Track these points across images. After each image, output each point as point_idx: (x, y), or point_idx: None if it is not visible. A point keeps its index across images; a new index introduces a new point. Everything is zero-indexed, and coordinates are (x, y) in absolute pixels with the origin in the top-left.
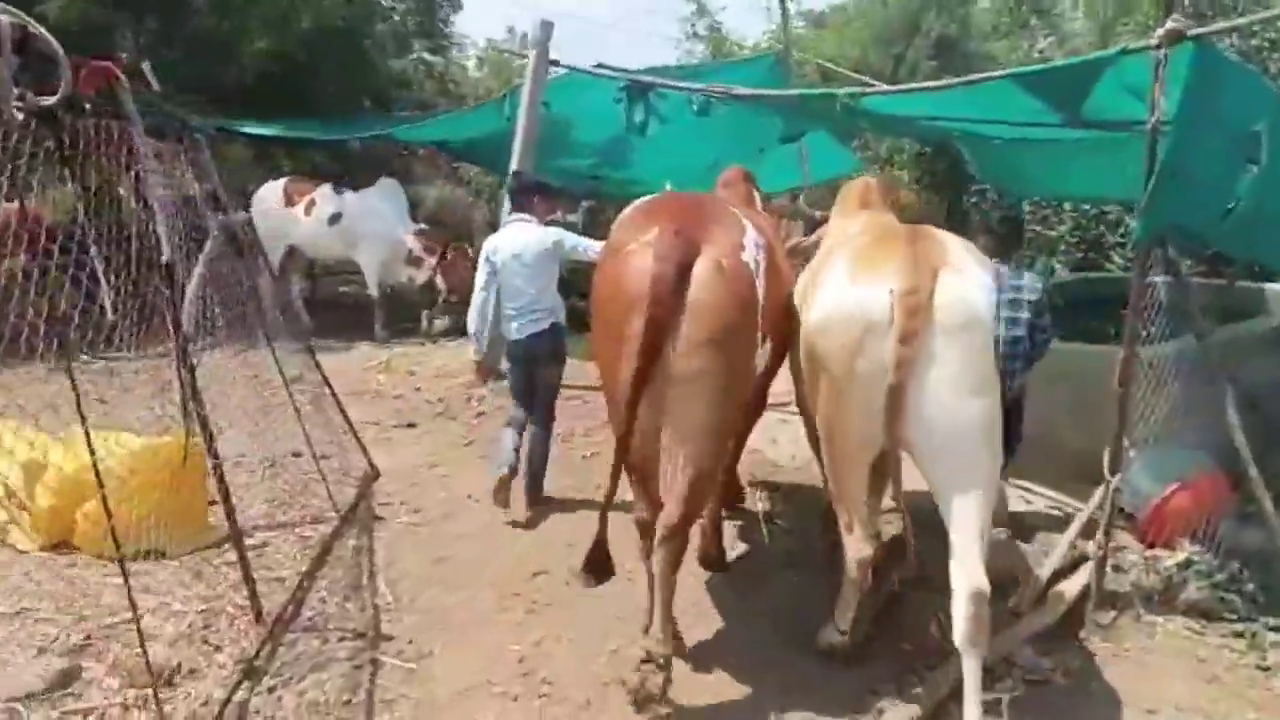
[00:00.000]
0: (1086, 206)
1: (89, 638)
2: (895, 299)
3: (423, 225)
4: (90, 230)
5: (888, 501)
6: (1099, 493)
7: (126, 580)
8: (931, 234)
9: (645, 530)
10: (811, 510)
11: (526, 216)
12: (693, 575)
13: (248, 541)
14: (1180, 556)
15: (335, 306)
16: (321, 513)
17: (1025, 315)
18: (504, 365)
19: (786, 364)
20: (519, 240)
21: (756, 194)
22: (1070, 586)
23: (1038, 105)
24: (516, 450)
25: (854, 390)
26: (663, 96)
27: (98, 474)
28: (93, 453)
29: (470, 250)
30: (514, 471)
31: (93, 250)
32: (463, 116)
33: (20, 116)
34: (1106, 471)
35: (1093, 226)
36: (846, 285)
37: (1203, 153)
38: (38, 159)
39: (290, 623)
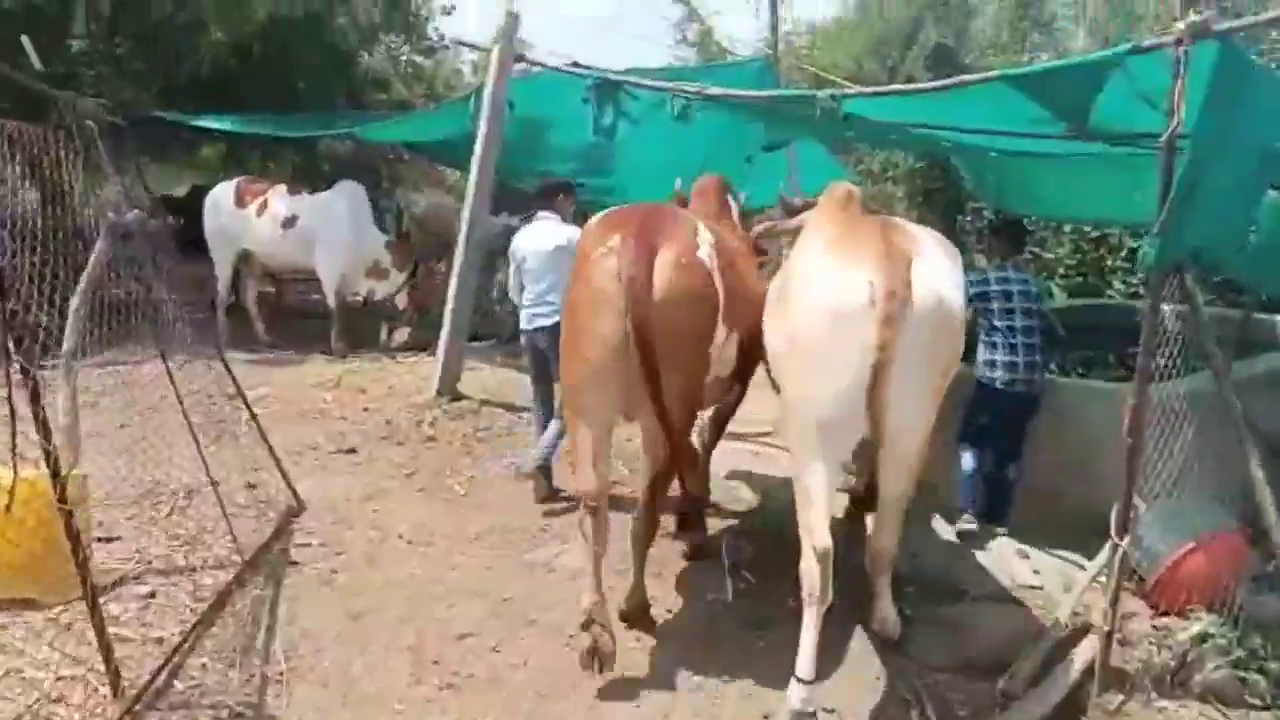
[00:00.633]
0: (1087, 228)
1: None
2: (876, 285)
3: (390, 236)
4: None
5: None
6: (1103, 554)
7: None
8: (903, 226)
9: (591, 504)
10: (784, 564)
11: (551, 214)
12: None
13: (137, 590)
14: (1195, 628)
15: (302, 315)
16: (229, 555)
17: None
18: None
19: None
20: (538, 236)
21: (732, 202)
22: (1072, 664)
23: (1038, 113)
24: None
25: (832, 376)
26: (634, 97)
27: None
28: None
29: (443, 266)
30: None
31: None
32: (429, 115)
33: None
34: (1113, 533)
35: (1093, 250)
36: (825, 272)
37: (1225, 169)
38: None
39: (158, 696)
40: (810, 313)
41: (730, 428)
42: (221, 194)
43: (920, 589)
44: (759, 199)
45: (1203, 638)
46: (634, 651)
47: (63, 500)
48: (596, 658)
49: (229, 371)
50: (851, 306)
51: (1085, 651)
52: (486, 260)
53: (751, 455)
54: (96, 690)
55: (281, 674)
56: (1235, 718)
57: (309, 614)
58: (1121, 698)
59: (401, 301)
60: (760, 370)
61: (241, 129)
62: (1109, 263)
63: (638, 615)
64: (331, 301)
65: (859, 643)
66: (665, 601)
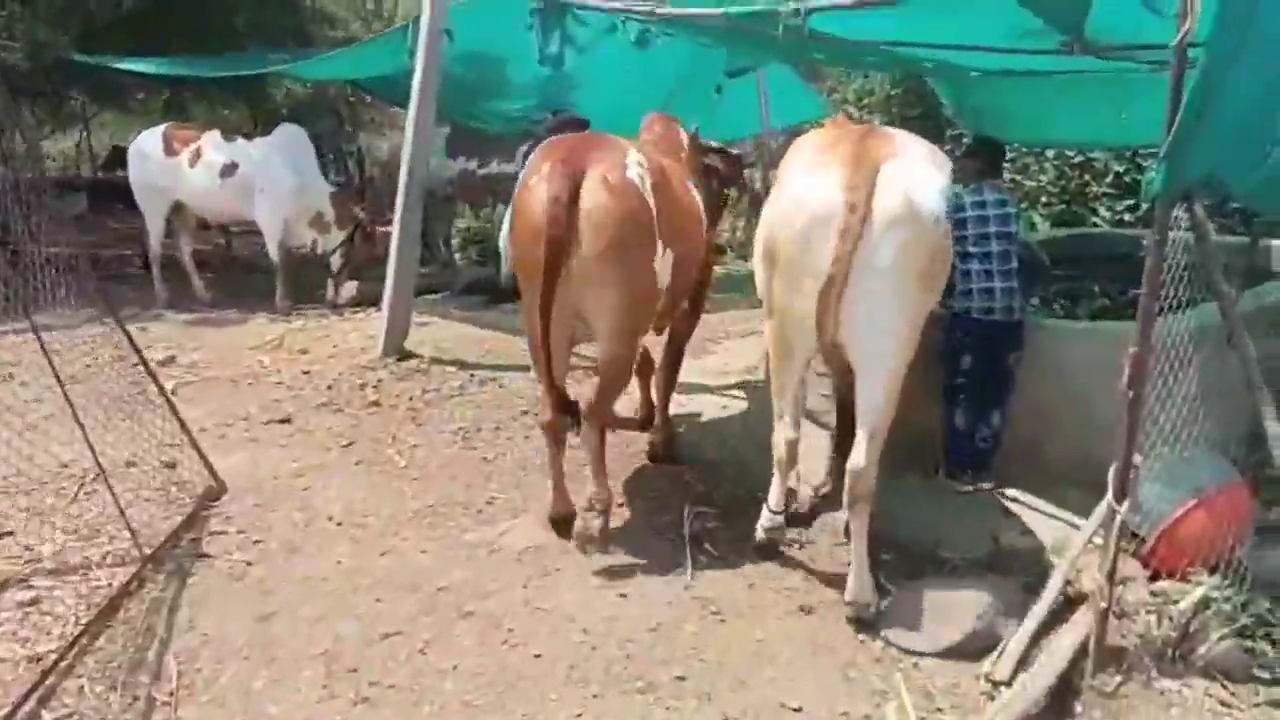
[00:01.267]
0: (1070, 153)
1: None
2: (838, 194)
3: (335, 186)
4: None
5: None
6: (1096, 516)
7: None
8: (884, 133)
9: (549, 428)
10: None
11: None
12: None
13: (19, 596)
14: (1196, 593)
15: (253, 270)
16: (131, 550)
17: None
18: None
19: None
20: None
21: (683, 135)
22: (1063, 642)
23: (1025, 25)
24: None
25: (803, 281)
26: (581, 22)
27: None
28: None
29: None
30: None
31: None
32: (363, 49)
33: None
34: (1111, 497)
35: (1077, 176)
36: (796, 181)
37: (1244, 80)
38: None
39: None
40: (778, 217)
41: (702, 380)
42: (148, 143)
43: (899, 555)
44: (731, 131)
45: (1205, 603)
46: (580, 646)
47: None
48: (580, 540)
49: (126, 334)
50: (816, 215)
51: (1078, 626)
52: (442, 208)
53: (720, 409)
54: None
55: (171, 694)
56: (1243, 695)
57: (214, 617)
58: (1119, 679)
59: (336, 262)
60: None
61: (164, 71)
62: (1094, 189)
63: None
64: (275, 255)
65: (828, 626)
66: (621, 583)
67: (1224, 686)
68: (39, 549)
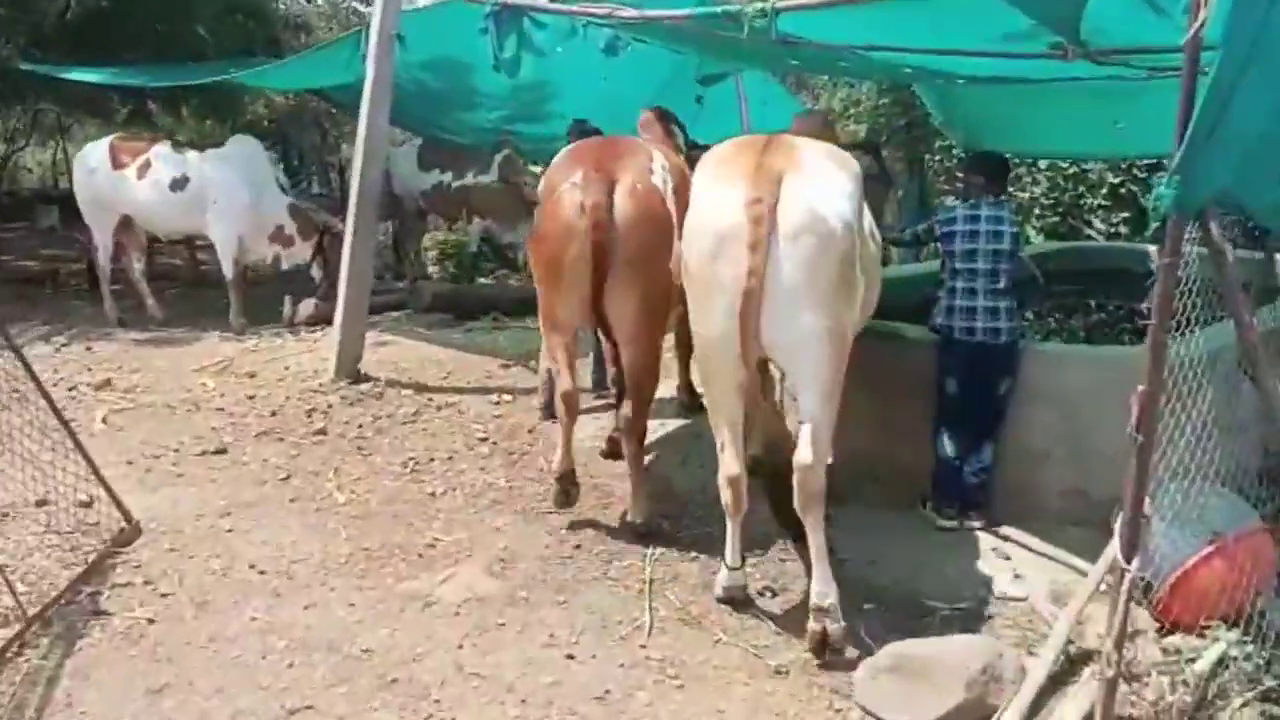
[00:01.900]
0: (1064, 164)
1: None
2: (743, 210)
3: (293, 200)
4: None
5: None
6: (1101, 565)
7: None
8: (787, 143)
9: (567, 399)
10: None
11: None
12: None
13: None
14: (1214, 651)
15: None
16: (15, 608)
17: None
18: None
19: None
20: None
21: (677, 131)
22: (1065, 713)
23: (1015, 27)
24: None
25: (717, 298)
26: (540, 25)
27: None
28: None
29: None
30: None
31: None
32: (315, 56)
33: None
34: (1118, 553)
35: (1070, 187)
36: (701, 198)
37: (1264, 84)
38: None
39: None
40: (689, 235)
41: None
42: (93, 155)
43: (880, 604)
44: (712, 140)
45: (1224, 663)
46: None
47: None
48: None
49: (21, 359)
50: (721, 231)
51: (1083, 695)
52: (413, 221)
53: (693, 433)
54: None
55: None
56: None
57: (97, 692)
58: None
59: (317, 273)
60: None
61: (109, 80)
62: (1088, 201)
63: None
64: (228, 271)
65: (801, 693)
66: (569, 642)
67: None
68: None
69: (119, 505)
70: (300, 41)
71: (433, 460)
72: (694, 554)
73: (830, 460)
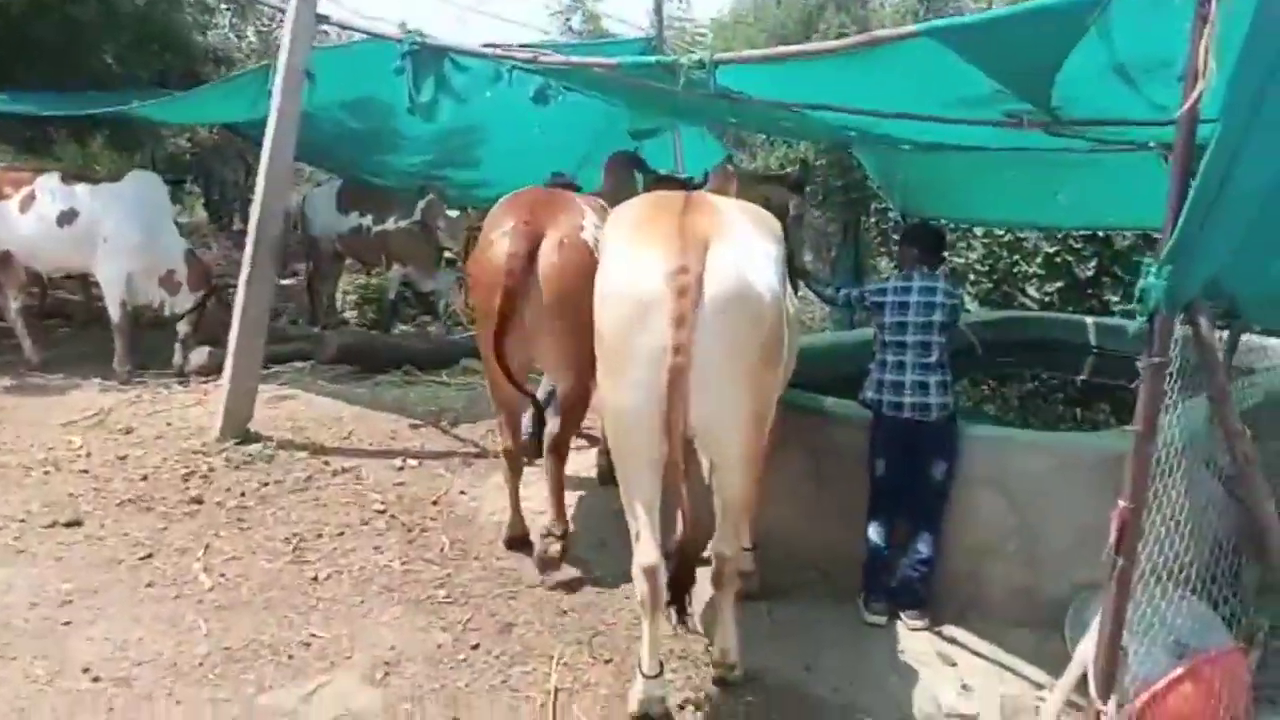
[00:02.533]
0: (1000, 232)
1: None
2: (665, 279)
3: (191, 247)
4: None
5: None
6: (1061, 689)
7: None
8: (708, 203)
9: (509, 456)
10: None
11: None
12: None
13: None
14: None
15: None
16: None
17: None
18: None
19: None
20: None
21: (637, 177)
22: None
23: (966, 91)
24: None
25: (632, 371)
26: (462, 69)
27: None
28: None
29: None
30: None
31: None
32: (221, 90)
33: None
34: (1092, 691)
35: (1006, 255)
36: (617, 261)
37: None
38: None
39: None
40: (603, 305)
41: None
42: None
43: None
44: None
45: None
46: None
47: None
48: (539, 562)
49: None
50: (641, 300)
51: None
52: (330, 265)
53: None
54: None
55: None
56: None
57: None
58: None
59: (184, 328)
60: None
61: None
62: (1023, 269)
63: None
64: (115, 314)
65: None
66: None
67: None
68: None
69: None
70: (221, 76)
71: (320, 536)
72: (607, 658)
73: (749, 545)
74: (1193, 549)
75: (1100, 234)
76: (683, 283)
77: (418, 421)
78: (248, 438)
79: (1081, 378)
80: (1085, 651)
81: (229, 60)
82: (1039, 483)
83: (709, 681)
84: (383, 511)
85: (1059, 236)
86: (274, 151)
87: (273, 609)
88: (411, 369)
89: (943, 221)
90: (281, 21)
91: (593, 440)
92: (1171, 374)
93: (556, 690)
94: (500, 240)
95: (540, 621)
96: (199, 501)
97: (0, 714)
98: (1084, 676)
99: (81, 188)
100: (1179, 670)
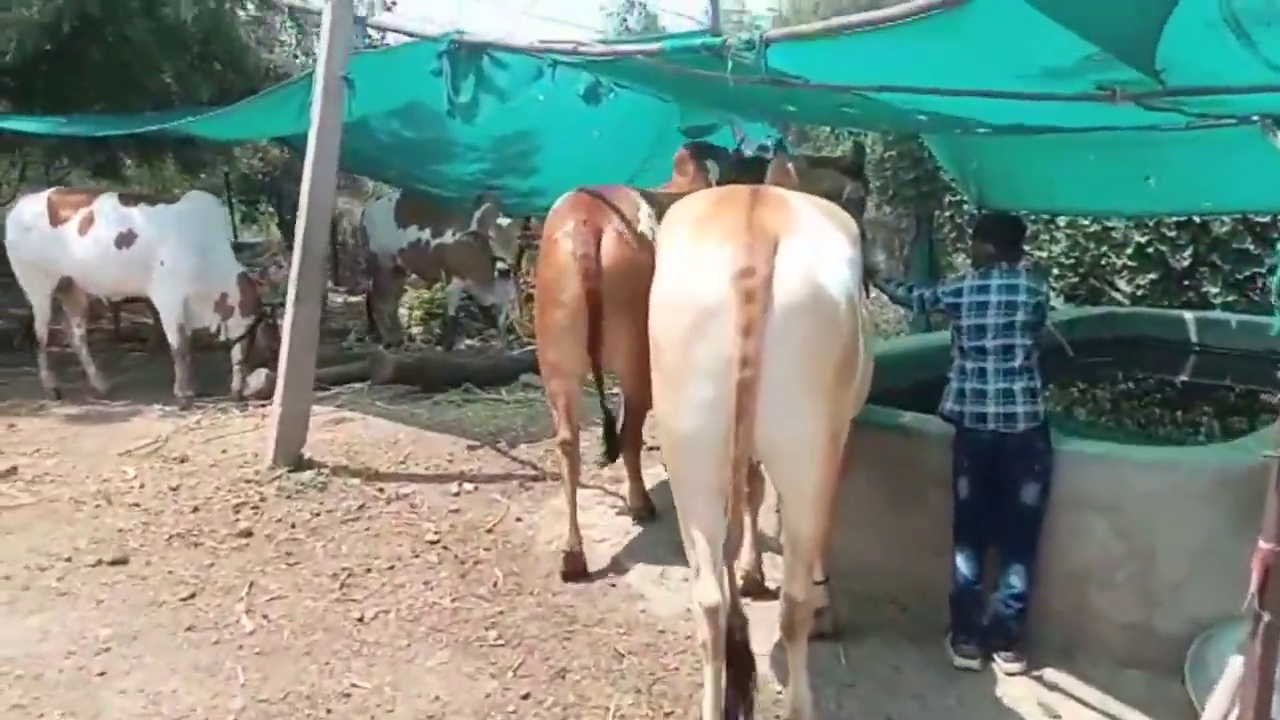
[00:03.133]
0: (1085, 222)
1: None
2: (731, 282)
3: (244, 270)
4: None
5: None
6: None
7: None
8: (776, 197)
9: (566, 449)
10: None
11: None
12: None
13: None
14: None
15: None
16: None
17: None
18: None
19: None
20: None
21: (711, 167)
22: None
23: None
24: None
25: (693, 387)
26: (501, 66)
27: None
28: None
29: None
30: None
31: None
32: (264, 103)
33: None
34: None
35: (1092, 246)
36: (675, 262)
37: None
38: None
39: None
40: (659, 312)
41: None
42: (28, 211)
43: None
44: None
45: None
46: None
47: None
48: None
49: None
50: (703, 306)
51: None
52: (389, 281)
53: None
54: None
55: None
56: None
57: None
58: None
59: (237, 354)
60: None
61: (45, 131)
62: (1112, 261)
63: (642, 512)
64: (174, 339)
65: None
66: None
67: None
68: None
69: None
70: None
71: (369, 571)
72: (668, 710)
73: (821, 578)
74: None
75: (1197, 220)
76: (750, 286)
77: (475, 442)
78: (301, 464)
79: (1182, 378)
80: (1217, 710)
81: (289, 78)
82: (1153, 505)
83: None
84: (435, 542)
85: (1150, 224)
86: (316, 163)
87: (314, 654)
88: (470, 387)
89: (1022, 212)
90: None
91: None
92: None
93: None
94: (563, 241)
95: (596, 666)
96: (248, 535)
97: None
98: None
99: (139, 210)
100: None
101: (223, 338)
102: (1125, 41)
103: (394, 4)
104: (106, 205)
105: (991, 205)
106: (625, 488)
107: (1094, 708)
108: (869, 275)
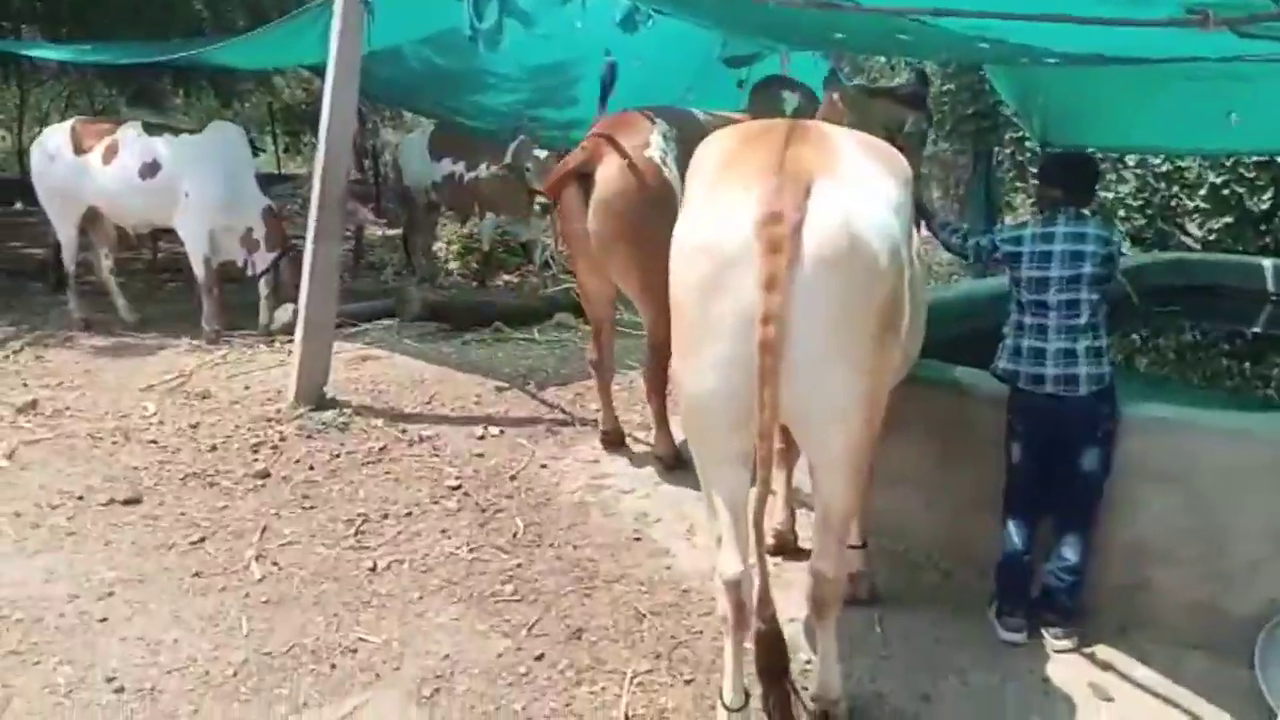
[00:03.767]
0: (1155, 160)
1: None
2: (754, 228)
3: (270, 203)
4: None
5: None
6: None
7: None
8: (816, 132)
9: (595, 367)
10: None
11: None
12: None
13: None
14: None
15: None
16: None
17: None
18: None
19: None
20: None
21: (787, 97)
22: None
23: None
24: None
25: (711, 344)
26: None
27: None
28: None
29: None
30: None
31: None
32: (283, 29)
33: None
34: None
35: (1163, 187)
36: (696, 206)
37: None
38: None
39: None
40: (678, 258)
41: None
42: (53, 141)
43: None
44: None
45: None
46: None
47: None
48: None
49: None
50: (723, 256)
51: None
52: (424, 216)
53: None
54: None
55: None
56: None
57: None
58: None
59: (264, 288)
60: None
61: (69, 58)
62: (1183, 203)
63: (670, 461)
64: (200, 271)
65: None
66: None
67: None
68: None
69: None
70: None
71: (386, 517)
72: (689, 676)
73: (859, 543)
74: None
75: None
76: (776, 234)
77: (503, 384)
78: (323, 403)
79: (1255, 330)
80: None
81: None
82: (1230, 476)
83: (804, 715)
84: (457, 488)
85: (1226, 164)
86: (335, 93)
87: (323, 605)
88: (501, 326)
89: (1091, 150)
90: None
91: None
92: None
93: (628, 718)
94: (562, 164)
95: (615, 627)
96: (265, 476)
97: None
98: None
99: (163, 140)
100: None
101: (250, 272)
102: None
103: None
104: (130, 134)
105: (1057, 142)
106: (653, 435)
107: (1151, 691)
108: (924, 218)
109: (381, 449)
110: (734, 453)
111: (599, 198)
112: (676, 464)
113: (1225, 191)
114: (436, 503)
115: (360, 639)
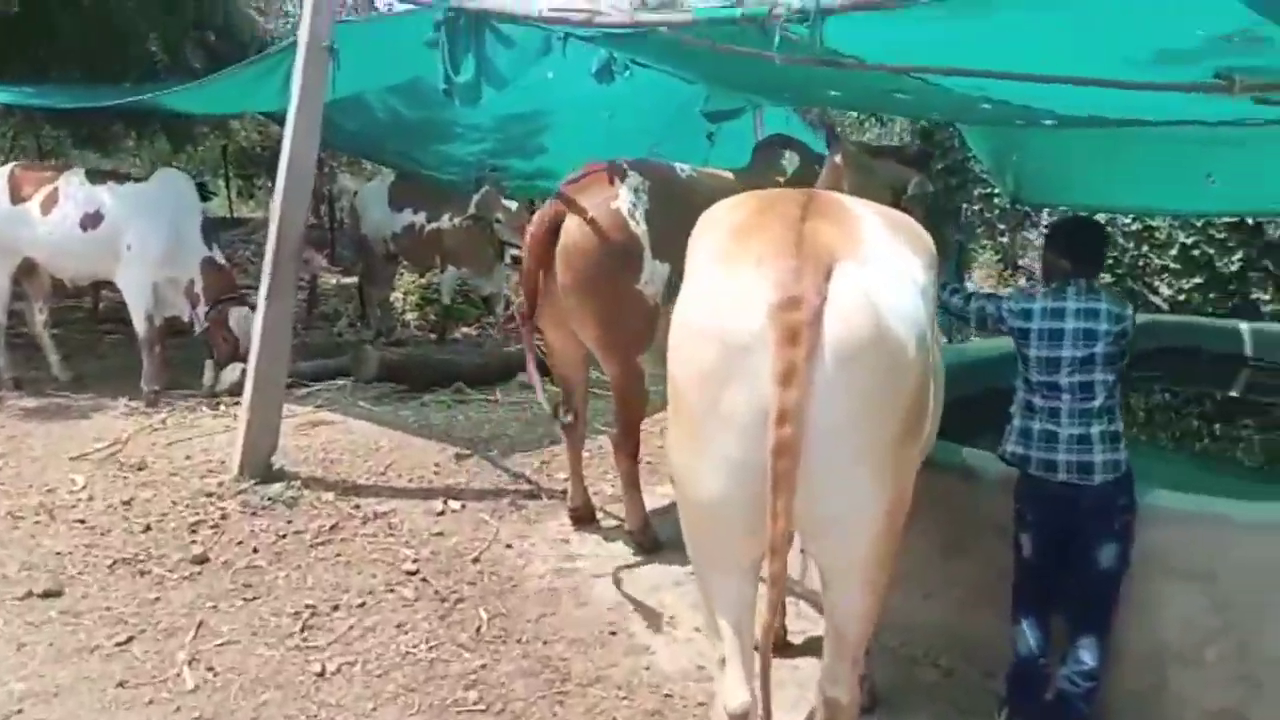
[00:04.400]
0: (1126, 219)
1: None
2: (769, 315)
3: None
4: None
5: None
6: None
7: None
8: (833, 205)
9: (566, 431)
10: None
11: None
12: None
13: None
14: None
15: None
16: None
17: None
18: None
19: None
20: None
21: (788, 156)
22: None
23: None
24: None
25: (718, 440)
26: (507, 43)
27: None
28: None
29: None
30: None
31: None
32: (245, 73)
33: None
34: None
35: (1132, 246)
36: (701, 284)
37: None
38: None
39: None
40: (680, 341)
41: None
42: None
43: None
44: None
45: None
46: None
47: None
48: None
49: None
50: (734, 344)
51: None
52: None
53: None
54: None
55: None
56: None
57: None
58: None
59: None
60: None
61: (11, 101)
62: (1153, 263)
63: (643, 539)
64: (141, 328)
65: None
66: None
67: None
68: None
69: None
70: None
71: (336, 609)
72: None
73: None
74: None
75: (1250, 222)
76: (794, 321)
77: (465, 451)
78: (270, 475)
79: (1232, 393)
80: None
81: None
82: (1259, 574)
83: None
84: (414, 573)
85: (1197, 225)
86: (296, 139)
87: (267, 716)
88: (462, 386)
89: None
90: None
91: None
92: None
93: None
94: (534, 222)
95: None
96: (203, 561)
97: None
98: None
99: (106, 188)
100: None
101: (197, 327)
102: None
103: None
104: (72, 183)
105: (1029, 201)
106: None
107: None
108: None
109: (333, 527)
110: (740, 565)
111: (561, 247)
112: (650, 544)
113: (1195, 252)
114: (392, 590)
115: None
